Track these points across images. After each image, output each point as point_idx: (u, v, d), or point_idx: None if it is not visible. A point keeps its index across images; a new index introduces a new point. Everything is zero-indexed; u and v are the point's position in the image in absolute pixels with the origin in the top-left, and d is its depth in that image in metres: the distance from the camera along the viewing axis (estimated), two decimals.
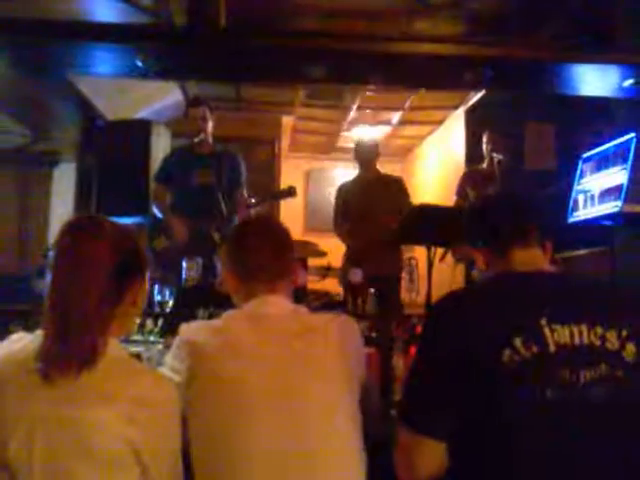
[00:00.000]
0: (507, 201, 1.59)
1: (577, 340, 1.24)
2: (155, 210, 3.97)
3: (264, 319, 1.50)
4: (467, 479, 1.29)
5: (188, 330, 1.50)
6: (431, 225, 3.47)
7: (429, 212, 3.58)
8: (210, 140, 3.96)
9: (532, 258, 1.44)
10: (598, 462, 1.22)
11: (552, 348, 1.22)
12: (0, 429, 1.16)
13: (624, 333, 1.26)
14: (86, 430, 1.16)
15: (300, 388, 1.42)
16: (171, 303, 2.82)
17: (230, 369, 1.41)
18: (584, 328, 1.25)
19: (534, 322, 1.24)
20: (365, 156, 4.60)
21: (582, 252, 3.48)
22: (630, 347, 1.25)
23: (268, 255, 1.56)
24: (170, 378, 1.40)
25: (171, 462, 1.27)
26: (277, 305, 1.55)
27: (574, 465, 1.20)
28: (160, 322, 2.78)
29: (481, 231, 1.53)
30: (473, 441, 1.27)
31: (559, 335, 1.23)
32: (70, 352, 1.17)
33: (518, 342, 1.22)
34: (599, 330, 1.25)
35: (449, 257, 3.83)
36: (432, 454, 1.29)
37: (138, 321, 1.54)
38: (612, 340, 1.25)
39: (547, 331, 1.23)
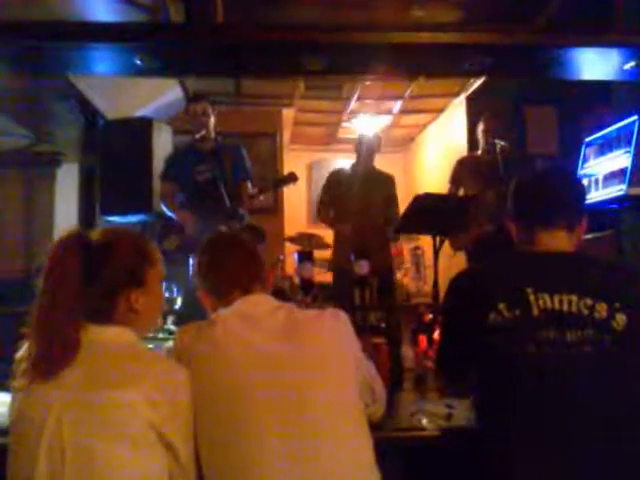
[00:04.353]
0: (544, 183, 1.67)
1: (565, 307, 1.43)
2: (163, 208, 3.98)
3: (254, 318, 1.51)
4: (483, 418, 1.54)
5: (181, 338, 1.50)
6: (434, 214, 3.47)
7: (428, 202, 3.58)
8: (212, 135, 3.95)
9: (554, 240, 1.57)
10: (583, 411, 1.38)
11: (535, 312, 1.44)
12: (35, 415, 1.24)
13: (617, 305, 1.42)
14: (112, 411, 1.23)
15: (300, 385, 1.41)
16: (179, 300, 2.84)
17: (228, 372, 1.41)
18: (574, 298, 1.43)
19: (519, 290, 1.46)
20: (364, 149, 4.61)
21: (588, 236, 3.46)
22: (621, 317, 1.41)
23: (237, 263, 1.62)
24: (181, 365, 1.41)
25: (191, 442, 1.34)
26: (264, 303, 1.57)
27: (560, 413, 1.38)
28: (169, 319, 2.79)
29: (514, 207, 1.68)
30: (482, 386, 1.54)
31: (545, 302, 1.44)
32: (48, 357, 1.27)
33: (502, 306, 1.45)
34: (589, 301, 1.43)
35: (447, 247, 3.83)
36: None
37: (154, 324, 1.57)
38: (601, 311, 1.42)
39: (532, 298, 1.45)
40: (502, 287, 1.50)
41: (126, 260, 1.40)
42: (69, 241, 1.35)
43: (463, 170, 4.38)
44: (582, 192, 1.70)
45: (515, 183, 1.71)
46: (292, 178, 3.68)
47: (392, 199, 4.59)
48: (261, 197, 3.90)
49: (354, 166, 4.69)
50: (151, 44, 2.50)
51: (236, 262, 1.62)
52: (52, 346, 1.27)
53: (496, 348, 1.45)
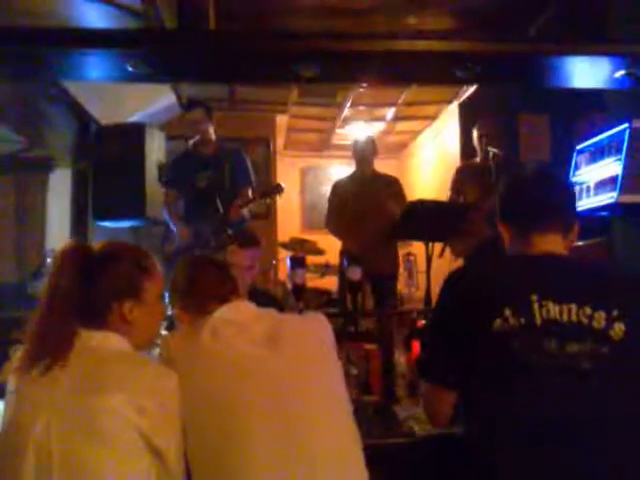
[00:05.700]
0: (535, 184, 1.63)
1: (566, 317, 1.39)
2: (164, 216, 3.99)
3: (240, 324, 1.52)
4: (472, 425, 1.49)
5: (167, 345, 1.51)
6: (428, 221, 3.49)
7: (425, 208, 3.59)
8: (213, 140, 3.95)
9: (549, 243, 1.54)
10: (579, 425, 1.35)
11: (538, 321, 1.39)
12: (24, 420, 1.25)
13: (615, 313, 1.39)
14: (99, 417, 1.23)
15: (288, 390, 1.42)
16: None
17: (216, 378, 1.41)
18: (574, 307, 1.39)
19: (525, 297, 1.41)
20: (360, 154, 4.63)
21: (580, 243, 3.48)
22: (619, 326, 1.38)
23: (212, 279, 1.66)
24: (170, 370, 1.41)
25: (179, 448, 1.33)
26: (247, 310, 1.59)
27: (556, 425, 1.34)
28: (162, 325, 2.78)
29: (506, 211, 1.63)
30: (475, 393, 1.46)
31: (548, 311, 1.39)
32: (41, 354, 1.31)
33: (508, 313, 1.39)
34: (587, 310, 1.39)
35: (448, 252, 3.83)
36: (442, 403, 1.53)
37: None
38: (599, 320, 1.39)
39: (536, 306, 1.40)
40: (508, 292, 1.45)
41: (125, 270, 1.43)
42: (69, 251, 1.40)
43: (463, 177, 4.39)
44: (574, 196, 1.69)
45: (506, 186, 1.67)
46: (278, 190, 3.69)
47: (396, 198, 4.47)
48: (248, 207, 3.87)
49: (353, 173, 4.71)
50: (143, 50, 2.50)
51: (211, 277, 1.67)
52: (45, 344, 1.31)
53: (498, 356, 1.40)
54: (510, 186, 1.67)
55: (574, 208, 1.65)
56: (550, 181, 1.63)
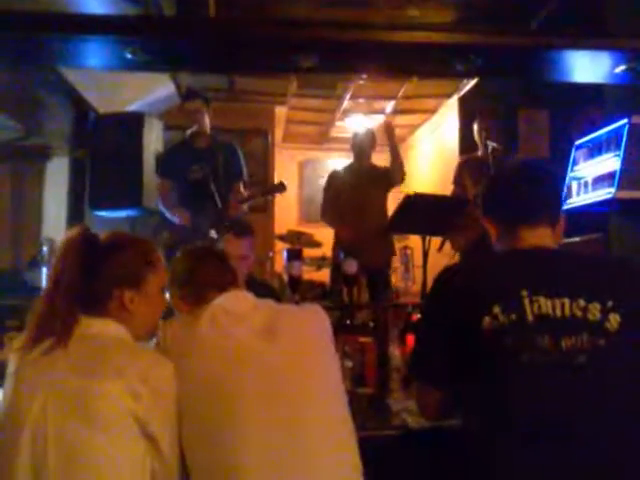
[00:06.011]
0: (522, 176, 1.60)
1: (559, 312, 1.36)
2: (159, 206, 3.98)
3: (238, 314, 1.52)
4: (467, 421, 1.46)
5: (165, 332, 1.51)
6: (425, 214, 3.48)
7: (424, 201, 3.58)
8: (207, 132, 3.94)
9: (539, 237, 1.51)
10: (576, 422, 1.32)
11: (530, 317, 1.36)
12: (21, 402, 1.28)
13: (609, 304, 1.36)
14: (94, 401, 1.26)
15: (285, 380, 1.43)
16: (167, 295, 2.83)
17: (213, 367, 1.41)
18: (566, 301, 1.36)
19: (515, 293, 1.38)
20: (359, 146, 4.62)
21: (577, 239, 3.48)
22: (614, 317, 1.35)
23: (212, 269, 1.67)
24: (167, 358, 1.42)
25: (174, 435, 1.35)
26: (245, 299, 1.59)
27: (552, 421, 1.31)
28: None
29: (492, 206, 1.61)
30: (469, 390, 1.43)
31: (540, 306, 1.36)
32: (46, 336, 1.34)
33: (497, 310, 1.36)
34: (581, 302, 1.36)
35: (447, 247, 3.83)
36: (432, 399, 1.53)
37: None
38: (594, 312, 1.36)
39: (527, 302, 1.37)
40: (497, 289, 1.42)
41: (128, 259, 1.45)
42: (76, 239, 1.42)
43: (463, 171, 4.38)
44: (560, 187, 1.68)
45: (491, 181, 1.66)
46: (280, 188, 3.69)
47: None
48: (249, 203, 3.87)
49: (351, 165, 4.71)
50: (142, 37, 2.48)
51: (211, 268, 1.67)
52: (47, 328, 1.33)
53: (489, 354, 1.37)
54: (495, 181, 1.66)
55: (560, 200, 1.64)
56: (535, 174, 1.60)
